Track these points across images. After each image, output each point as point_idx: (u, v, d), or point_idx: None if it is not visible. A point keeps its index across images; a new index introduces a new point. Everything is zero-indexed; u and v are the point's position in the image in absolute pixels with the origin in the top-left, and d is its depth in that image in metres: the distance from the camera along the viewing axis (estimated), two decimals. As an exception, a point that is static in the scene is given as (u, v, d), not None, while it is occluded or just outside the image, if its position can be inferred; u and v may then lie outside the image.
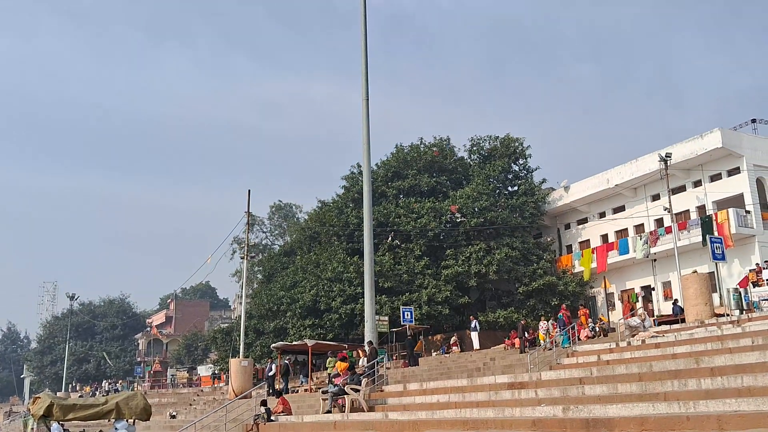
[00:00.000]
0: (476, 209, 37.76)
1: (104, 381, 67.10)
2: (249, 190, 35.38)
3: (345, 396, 18.00)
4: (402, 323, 30.55)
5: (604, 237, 38.37)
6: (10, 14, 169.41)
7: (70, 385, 66.94)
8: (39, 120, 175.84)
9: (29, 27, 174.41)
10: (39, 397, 14.45)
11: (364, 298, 28.66)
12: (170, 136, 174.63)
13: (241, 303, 45.19)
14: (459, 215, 37.25)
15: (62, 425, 15.40)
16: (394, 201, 39.74)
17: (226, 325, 55.84)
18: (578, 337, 24.99)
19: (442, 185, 40.84)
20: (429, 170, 41.08)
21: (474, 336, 32.12)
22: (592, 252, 36.93)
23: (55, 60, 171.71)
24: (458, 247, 36.91)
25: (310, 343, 28.31)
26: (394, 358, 32.58)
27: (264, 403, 18.85)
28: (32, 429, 13.88)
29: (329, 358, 24.66)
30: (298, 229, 51.60)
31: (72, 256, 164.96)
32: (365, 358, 23.39)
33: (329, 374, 20.99)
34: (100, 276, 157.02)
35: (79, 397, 50.80)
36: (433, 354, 33.36)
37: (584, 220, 40.08)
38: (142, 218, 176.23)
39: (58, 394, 44.02)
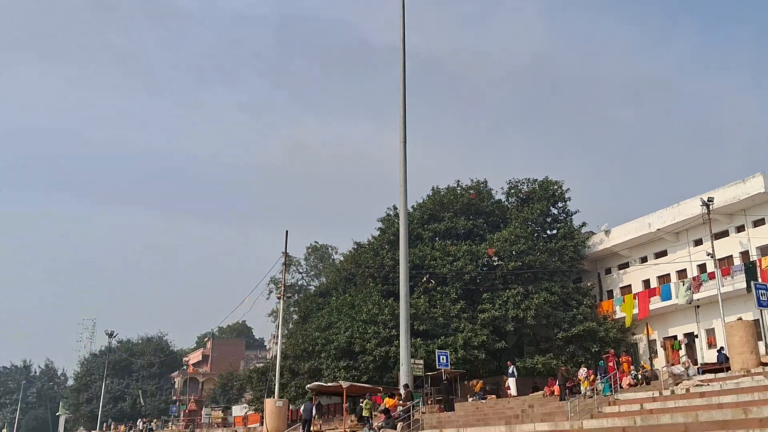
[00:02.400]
0: (514, 252, 37.42)
1: (139, 420, 67.34)
2: (287, 231, 35.79)
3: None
4: (437, 367, 30.15)
5: (646, 282, 37.59)
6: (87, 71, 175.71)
7: (104, 424, 67.24)
8: (87, 158, 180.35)
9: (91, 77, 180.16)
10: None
11: (398, 340, 28.47)
12: (207, 175, 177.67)
13: (276, 343, 45.21)
14: (496, 258, 36.97)
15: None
16: (430, 243, 39.63)
17: (262, 364, 55.79)
18: (620, 385, 24.35)
19: (479, 228, 40.64)
20: (466, 213, 40.98)
21: (511, 382, 31.50)
22: (634, 298, 36.21)
23: (105, 102, 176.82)
24: (495, 290, 36.54)
25: (345, 384, 28.12)
26: (429, 402, 32.09)
27: (298, 445, 18.68)
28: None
29: (365, 400, 24.42)
30: (334, 270, 51.74)
31: (111, 293, 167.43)
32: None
33: (364, 416, 20.74)
34: (138, 314, 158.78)
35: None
36: (469, 399, 32.78)
37: (625, 265, 39.37)
38: (180, 257, 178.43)
39: None
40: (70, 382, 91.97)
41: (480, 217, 41.38)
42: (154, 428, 59.24)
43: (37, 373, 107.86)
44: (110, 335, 63.21)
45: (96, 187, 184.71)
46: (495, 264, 36.99)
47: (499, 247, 37.28)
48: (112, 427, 66.83)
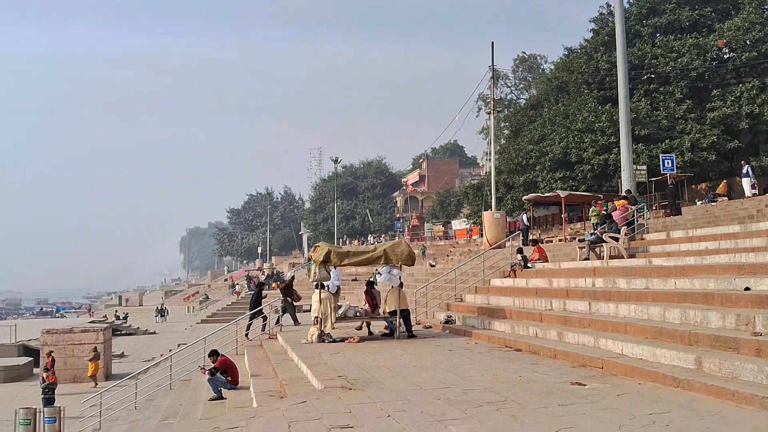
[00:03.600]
0: (748, 42, 33.27)
1: (369, 235, 73.42)
2: (492, 43, 34.52)
3: (602, 244, 17.71)
4: (662, 172, 28.77)
5: None
6: None
7: (340, 240, 74.28)
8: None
9: None
10: (318, 246, 16.11)
11: (617, 147, 27.32)
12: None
13: (489, 159, 45.66)
14: (727, 50, 33.21)
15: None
16: (649, 40, 36.41)
17: (476, 181, 57.13)
18: None
19: (706, 18, 36.36)
20: (690, 2, 36.67)
21: (745, 183, 29.25)
22: None
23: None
24: (726, 86, 33.14)
25: (562, 194, 27.98)
26: (654, 208, 31.04)
27: (520, 250, 19.27)
28: (315, 273, 15.63)
29: (592, 207, 24.13)
30: (545, 80, 49.94)
31: (333, 123, 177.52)
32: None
33: (593, 224, 20.61)
34: (357, 141, 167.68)
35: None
36: (698, 203, 31.18)
37: None
38: (394, 85, 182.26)
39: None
40: (307, 205, 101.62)
41: (707, 6, 36.87)
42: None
43: (279, 199, 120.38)
44: (335, 161, 67.86)
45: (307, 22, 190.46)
46: (726, 57, 33.29)
47: (730, 37, 33.25)
48: (347, 243, 73.58)
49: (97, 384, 24.21)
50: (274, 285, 41.28)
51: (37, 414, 15.09)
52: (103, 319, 51.97)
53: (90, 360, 24.67)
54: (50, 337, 26.09)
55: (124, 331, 44.32)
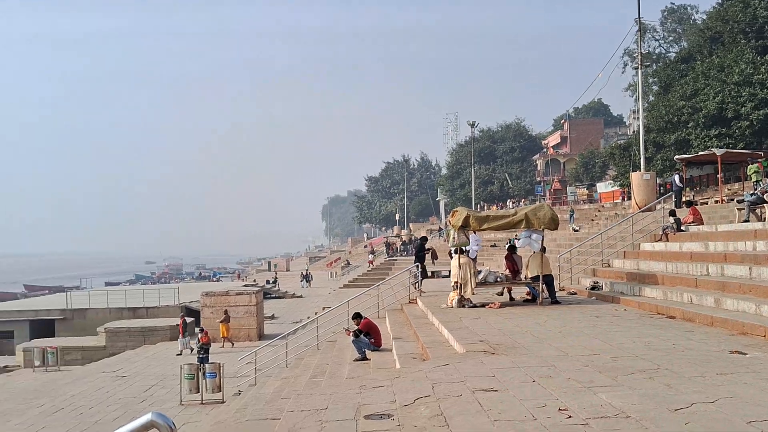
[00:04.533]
0: None
1: (508, 200, 72.27)
2: (639, -7, 32.44)
3: (764, 205, 16.33)
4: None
5: None
6: None
7: (478, 206, 73.70)
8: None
9: None
10: (457, 211, 15.99)
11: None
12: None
13: (636, 118, 43.28)
14: None
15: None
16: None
17: (623, 141, 54.44)
18: None
19: None
20: None
21: None
22: None
23: None
24: None
25: (718, 152, 26.08)
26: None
27: (673, 213, 18.18)
28: (453, 238, 15.56)
29: (749, 166, 22.38)
30: (696, 31, 46.53)
31: (469, 86, 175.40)
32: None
33: (754, 183, 19.10)
34: (495, 103, 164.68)
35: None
36: None
37: None
38: (533, 43, 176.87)
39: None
40: (444, 171, 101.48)
41: None
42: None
43: (416, 166, 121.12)
44: (472, 125, 66.96)
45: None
46: None
47: None
48: (485, 208, 72.91)
49: (233, 344, 25.54)
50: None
51: (199, 369, 16.29)
52: (253, 283, 54.98)
53: (221, 322, 26.01)
54: (209, 299, 27.98)
55: (274, 295, 46.74)
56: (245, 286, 44.92)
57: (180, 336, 25.81)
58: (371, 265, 50.23)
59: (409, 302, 18.69)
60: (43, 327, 33.23)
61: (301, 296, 47.19)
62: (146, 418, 2.90)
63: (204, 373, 16.15)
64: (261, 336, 27.37)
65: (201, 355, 19.66)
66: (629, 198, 32.19)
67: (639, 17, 32.84)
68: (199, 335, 21.17)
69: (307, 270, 67.83)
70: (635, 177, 27.62)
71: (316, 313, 24.17)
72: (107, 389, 19.56)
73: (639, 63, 33.01)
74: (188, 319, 27.34)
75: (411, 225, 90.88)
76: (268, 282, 56.70)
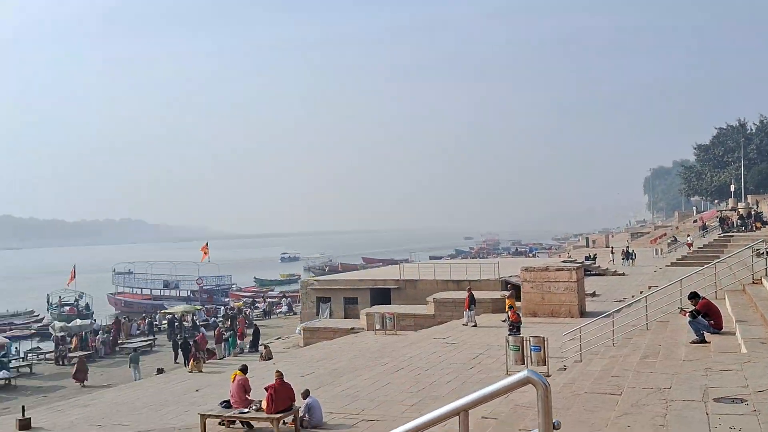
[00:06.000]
0: None
1: None
2: None
3: None
4: None
5: None
6: None
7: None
8: None
9: None
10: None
11: None
12: None
13: None
14: None
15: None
16: None
17: None
18: None
19: None
20: None
21: None
22: None
23: None
24: None
25: None
26: None
27: None
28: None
29: None
30: None
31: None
32: None
33: None
34: None
35: None
36: None
37: None
38: None
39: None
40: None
41: None
42: None
43: (753, 131, 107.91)
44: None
45: None
46: None
47: None
48: None
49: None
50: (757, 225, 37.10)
51: (525, 342, 16.74)
52: (572, 259, 54.26)
53: (508, 298, 26.23)
54: (529, 273, 28.43)
55: (594, 272, 45.63)
56: (563, 262, 44.58)
57: (465, 309, 26.97)
58: (689, 248, 46.78)
59: (753, 282, 16.91)
60: (381, 295, 36.96)
61: (623, 274, 45.33)
62: (522, 374, 3.23)
63: (530, 346, 16.55)
64: (582, 313, 27.00)
65: (512, 333, 20.21)
66: None
67: None
68: (508, 312, 21.77)
69: (628, 246, 64.87)
70: None
71: (641, 292, 23.13)
72: (439, 354, 21.09)
73: None
74: (475, 294, 28.20)
75: (749, 197, 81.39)
76: (587, 258, 55.57)
